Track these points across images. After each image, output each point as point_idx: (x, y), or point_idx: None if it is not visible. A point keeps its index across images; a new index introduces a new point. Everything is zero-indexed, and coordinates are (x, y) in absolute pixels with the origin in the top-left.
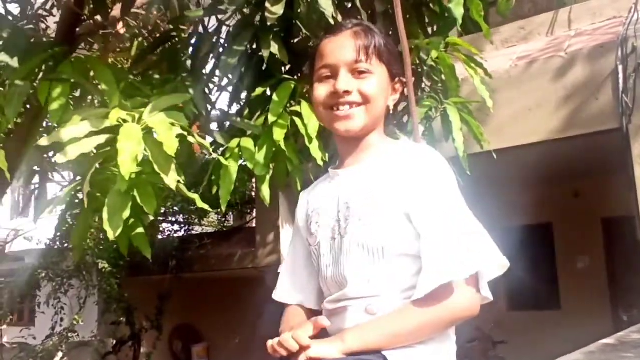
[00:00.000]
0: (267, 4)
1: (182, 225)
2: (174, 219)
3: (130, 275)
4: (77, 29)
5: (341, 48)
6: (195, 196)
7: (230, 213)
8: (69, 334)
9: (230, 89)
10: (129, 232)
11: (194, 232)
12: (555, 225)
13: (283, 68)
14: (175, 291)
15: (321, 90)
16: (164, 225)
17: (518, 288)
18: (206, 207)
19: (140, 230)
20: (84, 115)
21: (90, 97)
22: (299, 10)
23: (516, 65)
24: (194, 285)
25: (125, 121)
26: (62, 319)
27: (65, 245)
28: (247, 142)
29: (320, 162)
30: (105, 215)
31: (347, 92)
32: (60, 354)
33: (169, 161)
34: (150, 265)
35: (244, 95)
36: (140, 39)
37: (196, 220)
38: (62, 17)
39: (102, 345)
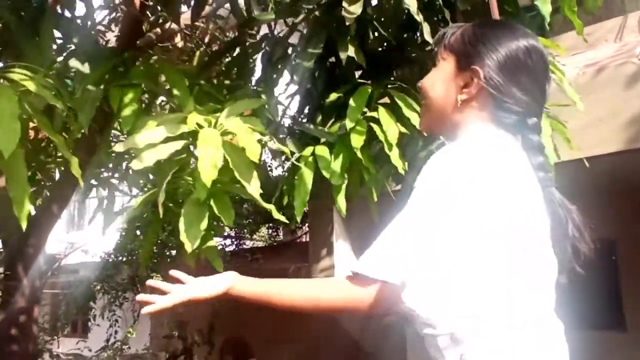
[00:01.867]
0: (345, 4)
1: (233, 239)
2: (225, 233)
3: None
4: (137, 42)
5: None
6: (271, 207)
7: (280, 227)
8: (123, 347)
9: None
10: (200, 244)
11: (245, 247)
12: (620, 241)
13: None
14: (227, 305)
15: None
16: (216, 239)
17: (576, 306)
18: (282, 218)
19: (212, 243)
20: (159, 120)
21: (159, 103)
22: (385, 7)
23: (584, 73)
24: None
25: (201, 126)
26: (116, 332)
27: (120, 258)
28: (322, 150)
29: (402, 171)
30: (181, 227)
31: (418, 88)
32: None
33: (251, 168)
34: None
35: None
36: (200, 50)
37: (247, 235)
38: (123, 29)
39: (155, 359)
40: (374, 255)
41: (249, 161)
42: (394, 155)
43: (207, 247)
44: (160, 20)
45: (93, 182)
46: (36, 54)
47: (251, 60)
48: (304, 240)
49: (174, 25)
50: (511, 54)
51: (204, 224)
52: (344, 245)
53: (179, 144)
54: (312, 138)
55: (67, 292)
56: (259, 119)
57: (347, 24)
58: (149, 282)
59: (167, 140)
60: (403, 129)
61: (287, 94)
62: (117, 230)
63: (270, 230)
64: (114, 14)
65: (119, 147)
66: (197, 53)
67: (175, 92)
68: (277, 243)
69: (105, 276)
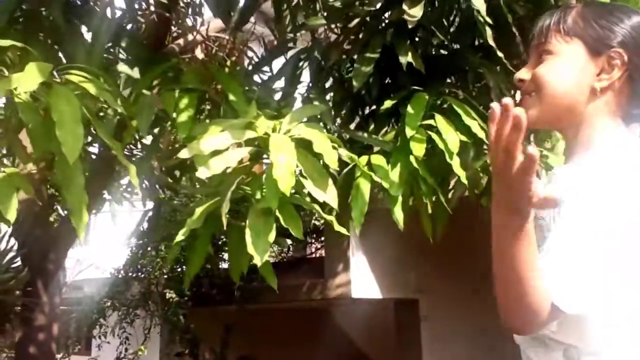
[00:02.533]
0: (405, 6)
1: None
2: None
3: (194, 306)
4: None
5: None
6: (331, 218)
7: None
8: None
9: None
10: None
11: None
12: None
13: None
14: (239, 322)
15: None
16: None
17: None
18: (343, 230)
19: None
20: (224, 126)
21: (207, 108)
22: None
23: None
24: (259, 317)
25: (266, 133)
26: (126, 349)
27: (131, 274)
28: (379, 159)
29: (465, 180)
30: (248, 238)
31: (520, 81)
32: None
33: (325, 176)
34: (214, 296)
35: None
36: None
37: None
38: (149, 37)
39: None
40: (575, 289)
41: (322, 168)
42: (456, 164)
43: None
44: (179, 31)
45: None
46: (84, 56)
47: (300, 67)
48: (316, 256)
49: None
50: None
51: (271, 235)
52: (360, 260)
53: (244, 151)
54: (364, 147)
55: (77, 308)
56: (321, 126)
57: (410, 27)
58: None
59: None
60: (463, 137)
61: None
62: (127, 245)
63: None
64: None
65: (184, 154)
66: (228, 62)
67: (232, 97)
68: (286, 260)
69: (116, 292)
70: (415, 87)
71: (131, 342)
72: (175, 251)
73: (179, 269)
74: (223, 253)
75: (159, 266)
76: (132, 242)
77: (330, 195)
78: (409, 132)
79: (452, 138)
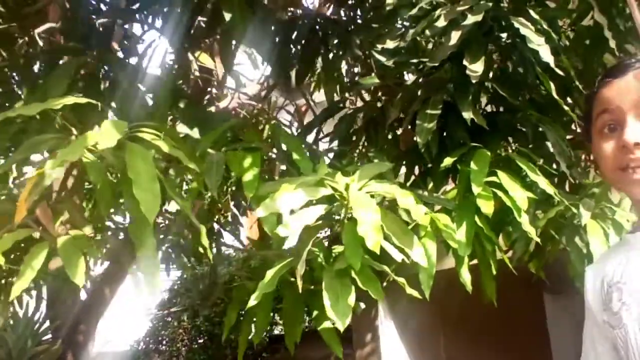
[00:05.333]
0: (465, 62)
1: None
2: None
3: None
4: None
5: (627, 91)
6: (403, 280)
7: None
8: None
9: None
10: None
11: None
12: None
13: None
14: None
15: (606, 146)
16: None
17: None
18: (415, 293)
19: (329, 323)
20: (297, 183)
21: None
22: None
23: None
24: None
25: (336, 190)
26: None
27: (152, 346)
28: (444, 218)
29: (537, 238)
30: (326, 302)
31: (639, 145)
32: None
33: (409, 233)
34: None
35: None
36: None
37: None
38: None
39: None
40: None
41: (405, 225)
42: (525, 221)
43: (323, 328)
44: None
45: None
46: (144, 117)
47: (353, 125)
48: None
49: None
50: None
51: (351, 298)
52: (390, 328)
53: (320, 209)
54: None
55: None
56: (389, 183)
57: (474, 81)
58: None
59: (309, 204)
60: (528, 194)
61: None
62: (147, 315)
63: None
64: None
65: (260, 212)
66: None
67: (296, 156)
68: (311, 329)
69: None
70: (474, 144)
71: None
72: (232, 318)
73: (201, 341)
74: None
75: (181, 337)
76: (153, 313)
77: (416, 252)
78: (475, 189)
79: (519, 195)
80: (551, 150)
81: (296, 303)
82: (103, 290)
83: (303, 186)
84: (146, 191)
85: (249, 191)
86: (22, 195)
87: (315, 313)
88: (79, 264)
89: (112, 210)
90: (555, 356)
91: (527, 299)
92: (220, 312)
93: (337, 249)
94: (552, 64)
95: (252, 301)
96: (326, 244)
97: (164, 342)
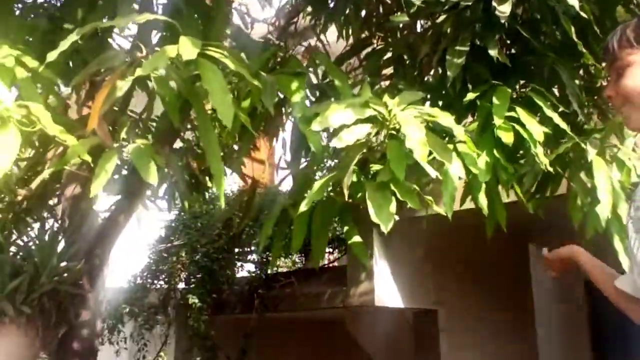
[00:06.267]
0: (494, 3)
1: (257, 265)
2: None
3: (213, 314)
4: None
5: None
6: (430, 199)
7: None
8: None
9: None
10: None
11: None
12: None
13: None
14: (258, 331)
15: None
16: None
17: None
18: (441, 210)
19: (358, 237)
20: (346, 104)
21: None
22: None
23: None
24: (279, 325)
25: (380, 113)
26: (144, 357)
27: (150, 280)
28: (467, 147)
29: (549, 167)
30: (371, 210)
31: (609, 98)
32: None
33: (448, 149)
34: (234, 303)
35: None
36: None
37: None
38: None
39: None
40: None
41: (443, 142)
42: (540, 152)
43: (353, 242)
44: None
45: None
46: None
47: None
48: (335, 265)
49: None
50: None
51: (393, 207)
52: (384, 269)
53: (367, 127)
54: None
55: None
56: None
57: (503, 21)
58: None
59: (357, 122)
60: (544, 128)
61: None
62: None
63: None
64: None
65: (315, 126)
66: None
67: (338, 83)
68: (307, 268)
69: (135, 299)
70: (495, 82)
71: (149, 349)
72: (268, 230)
73: (199, 276)
74: (243, 262)
75: (179, 273)
76: (151, 248)
77: (454, 167)
78: (497, 121)
79: (536, 129)
80: (564, 92)
81: (324, 222)
82: (117, 216)
83: (351, 107)
84: (220, 101)
85: (299, 112)
86: (94, 105)
87: (345, 228)
88: (150, 166)
89: None
90: (535, 297)
91: (512, 248)
92: (220, 249)
93: (374, 167)
94: (577, 7)
95: (303, 207)
96: None
97: (161, 277)
